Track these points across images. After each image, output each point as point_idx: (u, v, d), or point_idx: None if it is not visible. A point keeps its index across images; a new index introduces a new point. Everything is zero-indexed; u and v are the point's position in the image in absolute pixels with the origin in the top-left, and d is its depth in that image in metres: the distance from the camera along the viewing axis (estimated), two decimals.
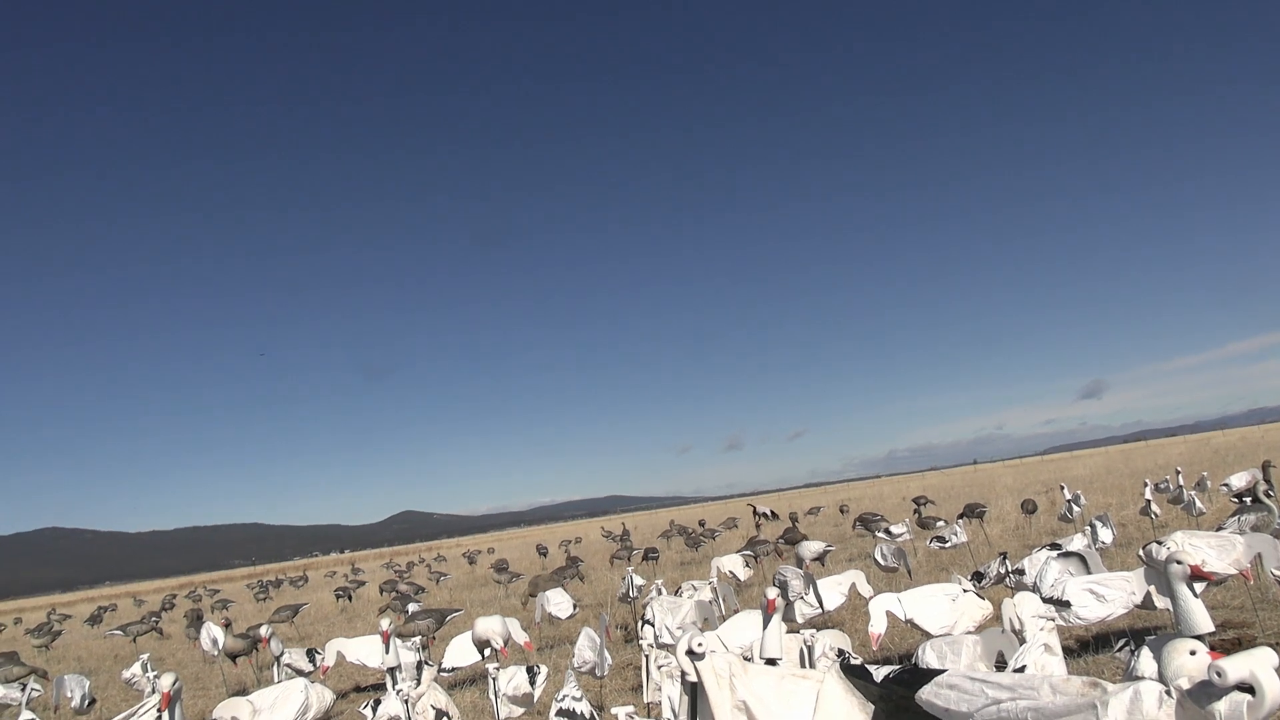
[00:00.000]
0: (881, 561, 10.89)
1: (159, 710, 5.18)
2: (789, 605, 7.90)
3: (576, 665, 6.98)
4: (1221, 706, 2.41)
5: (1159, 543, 6.50)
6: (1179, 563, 3.87)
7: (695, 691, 3.20)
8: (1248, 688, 2.38)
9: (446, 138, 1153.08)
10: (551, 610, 11.52)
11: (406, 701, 5.76)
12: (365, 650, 9.26)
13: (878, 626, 6.63)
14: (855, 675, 3.15)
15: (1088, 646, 7.03)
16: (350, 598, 24.63)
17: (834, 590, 8.41)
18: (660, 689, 5.48)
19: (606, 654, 6.91)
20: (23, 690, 8.72)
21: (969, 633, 5.95)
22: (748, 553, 14.80)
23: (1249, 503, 8.87)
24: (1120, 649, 5.45)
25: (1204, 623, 3.73)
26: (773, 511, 24.83)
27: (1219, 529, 7.95)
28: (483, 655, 8.61)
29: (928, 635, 6.46)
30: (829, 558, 13.68)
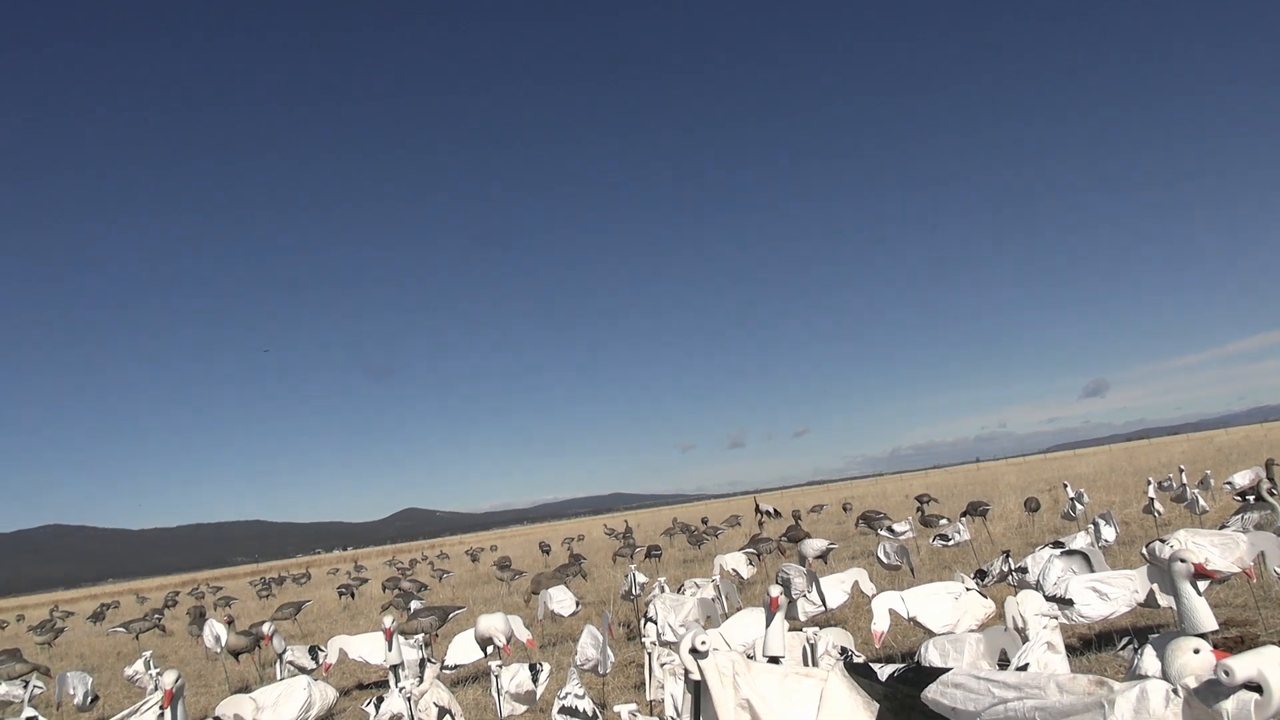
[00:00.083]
0: (884, 559, 10.87)
1: (161, 707, 5.19)
2: (792, 603, 7.89)
3: (579, 663, 6.97)
4: (1229, 705, 2.40)
5: (1162, 541, 6.50)
6: (1182, 561, 3.87)
7: (698, 690, 3.19)
8: (1255, 686, 2.37)
9: (446, 138, 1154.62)
10: (554, 608, 11.52)
11: (409, 699, 5.77)
12: (368, 647, 9.27)
13: (880, 624, 6.63)
14: (859, 673, 3.12)
15: (1091, 645, 7.03)
16: (353, 595, 24.67)
17: (837, 588, 8.40)
18: (663, 687, 5.48)
19: (609, 652, 6.90)
20: (25, 687, 8.74)
21: (972, 631, 5.96)
22: (750, 550, 14.76)
23: (1252, 501, 8.86)
24: (1123, 647, 5.44)
25: (1207, 621, 3.72)
26: (775, 509, 24.85)
27: (1222, 527, 7.93)
28: (485, 653, 8.62)
29: (930, 633, 6.46)
30: (832, 555, 13.67)
